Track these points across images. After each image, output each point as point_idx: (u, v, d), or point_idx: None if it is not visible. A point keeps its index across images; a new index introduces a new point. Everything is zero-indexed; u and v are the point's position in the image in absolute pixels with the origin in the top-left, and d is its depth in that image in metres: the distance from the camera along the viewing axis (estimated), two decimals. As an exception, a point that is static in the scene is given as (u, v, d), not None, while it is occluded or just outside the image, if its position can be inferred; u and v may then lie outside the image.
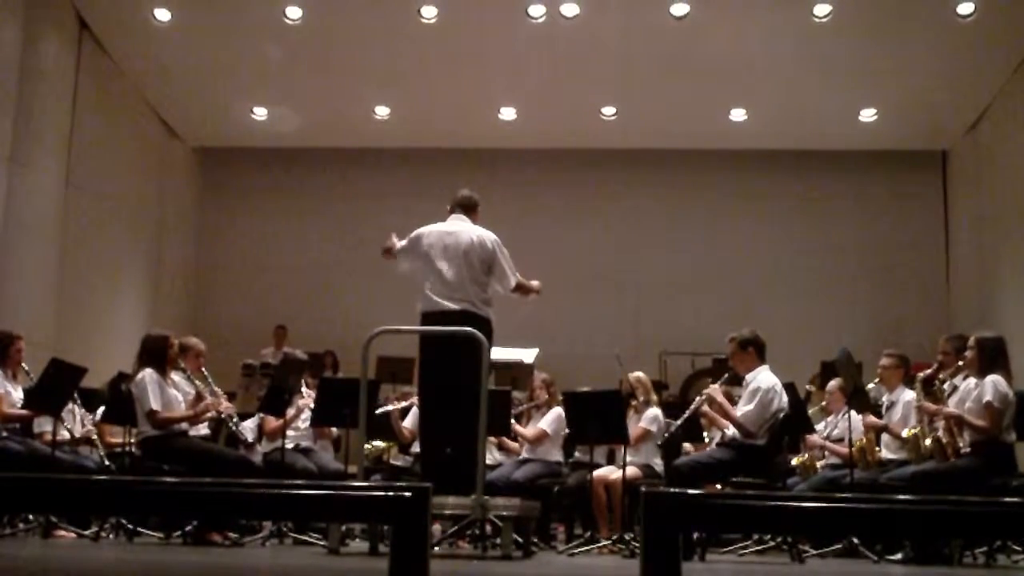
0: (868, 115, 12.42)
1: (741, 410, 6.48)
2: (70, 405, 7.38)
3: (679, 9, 10.68)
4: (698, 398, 7.07)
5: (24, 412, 7.22)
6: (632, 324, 12.95)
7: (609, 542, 6.93)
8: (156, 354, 6.74)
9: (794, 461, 7.86)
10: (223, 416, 7.09)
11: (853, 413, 7.11)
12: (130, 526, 6.76)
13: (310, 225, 13.70)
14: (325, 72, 11.82)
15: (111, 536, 6.80)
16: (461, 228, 6.10)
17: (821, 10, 10.58)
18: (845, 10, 10.54)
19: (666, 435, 7.57)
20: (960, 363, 6.37)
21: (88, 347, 10.12)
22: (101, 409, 7.90)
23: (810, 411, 7.90)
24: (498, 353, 6.44)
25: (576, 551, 6.87)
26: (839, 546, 6.72)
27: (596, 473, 7.71)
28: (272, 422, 7.60)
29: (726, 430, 6.69)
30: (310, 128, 13.06)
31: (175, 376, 6.90)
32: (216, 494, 2.75)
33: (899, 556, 6.31)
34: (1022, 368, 6.92)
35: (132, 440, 7.35)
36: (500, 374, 7.39)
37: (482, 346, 5.37)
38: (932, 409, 6.38)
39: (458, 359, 5.64)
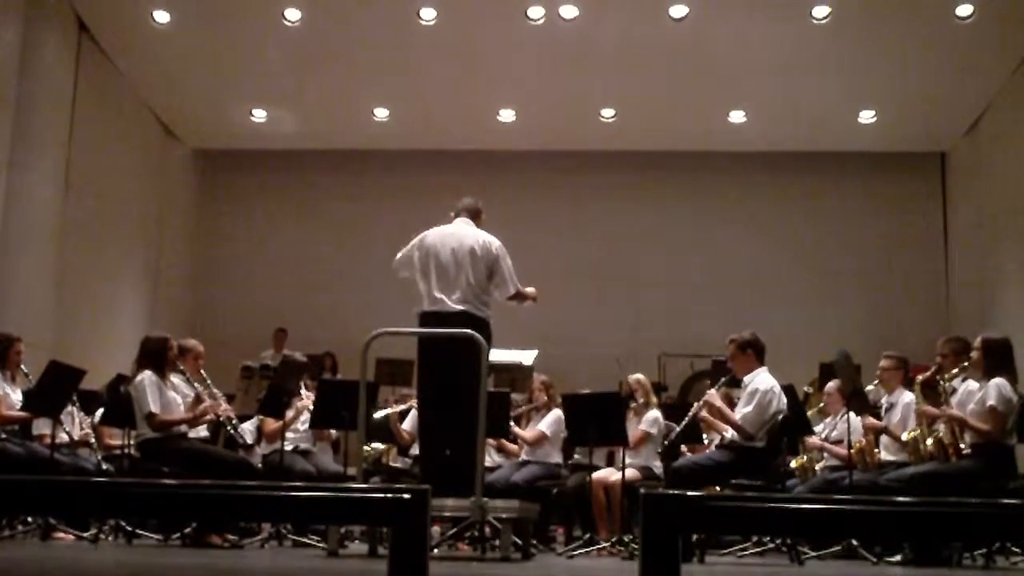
0: (867, 117, 12.43)
1: (740, 412, 6.47)
2: (69, 407, 7.37)
3: (678, 11, 10.69)
4: (696, 404, 7.07)
5: (23, 414, 7.21)
6: (631, 326, 12.95)
7: (608, 544, 6.93)
8: (155, 356, 6.74)
9: (793, 463, 7.86)
10: (222, 419, 7.08)
11: (852, 415, 7.11)
12: (129, 528, 6.76)
13: (309, 227, 13.70)
14: (324, 74, 11.83)
15: (110, 538, 6.80)
16: (466, 231, 6.09)
17: (820, 12, 10.59)
18: (844, 11, 10.55)
19: (665, 442, 7.57)
20: (963, 364, 6.36)
21: (87, 349, 10.12)
22: (100, 411, 7.89)
23: (808, 413, 7.90)
24: (497, 355, 6.44)
25: (575, 553, 6.87)
26: (838, 548, 6.71)
27: (595, 475, 7.71)
28: (271, 424, 7.60)
29: (725, 433, 6.68)
30: (309, 130, 13.07)
31: (174, 378, 6.89)
32: (215, 496, 2.75)
33: (898, 558, 6.31)
34: (1022, 369, 6.91)
35: (131, 442, 7.34)
36: (499, 376, 7.39)
37: (481, 348, 5.37)
38: (934, 413, 6.37)
39: (457, 361, 5.63)
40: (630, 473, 7.35)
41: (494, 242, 6.06)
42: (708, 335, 10.38)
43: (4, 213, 9.76)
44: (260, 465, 7.48)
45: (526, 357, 7.69)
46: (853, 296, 13.02)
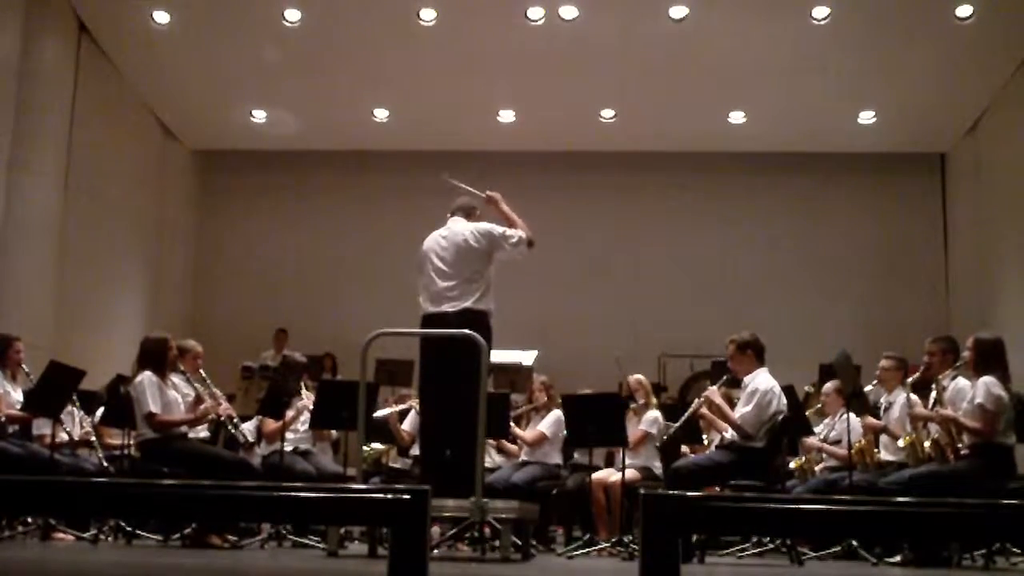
0: (867, 117, 12.43)
1: (739, 412, 6.48)
2: (69, 407, 7.38)
3: (678, 12, 10.69)
4: (697, 400, 7.08)
5: (23, 414, 7.21)
6: (631, 326, 12.94)
7: (608, 544, 6.93)
8: (155, 356, 6.74)
9: (793, 463, 7.86)
10: (223, 418, 7.08)
11: (852, 415, 7.11)
12: (129, 528, 6.76)
13: (309, 228, 13.70)
14: (324, 75, 11.83)
15: (110, 539, 6.80)
16: (457, 227, 6.14)
17: (820, 12, 10.59)
18: (844, 13, 10.55)
19: (665, 437, 7.57)
20: (955, 364, 6.38)
21: (87, 349, 10.12)
22: (100, 411, 7.89)
23: (808, 413, 7.90)
24: (497, 355, 6.45)
25: (575, 553, 6.87)
26: (838, 548, 6.72)
27: (595, 475, 7.71)
28: (271, 424, 7.60)
29: (724, 433, 6.69)
30: (309, 131, 13.07)
31: (175, 378, 6.89)
32: (215, 497, 2.75)
33: (898, 558, 6.31)
34: (1022, 370, 6.91)
35: (131, 442, 7.34)
36: (499, 377, 7.40)
37: (481, 349, 5.37)
38: (925, 415, 6.38)
39: (458, 361, 5.63)
40: (630, 474, 7.35)
41: (480, 225, 6.12)
42: (708, 336, 10.38)
43: (4, 213, 9.76)
44: (260, 466, 7.48)
45: (526, 358, 7.70)
46: (853, 297, 13.02)
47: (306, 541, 6.92)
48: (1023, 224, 11.09)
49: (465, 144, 13.05)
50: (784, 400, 6.52)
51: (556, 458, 7.96)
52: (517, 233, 6.14)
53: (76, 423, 7.62)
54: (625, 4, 10.73)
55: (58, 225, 10.58)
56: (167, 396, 6.67)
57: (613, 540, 6.90)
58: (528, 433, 7.92)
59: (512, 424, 7.65)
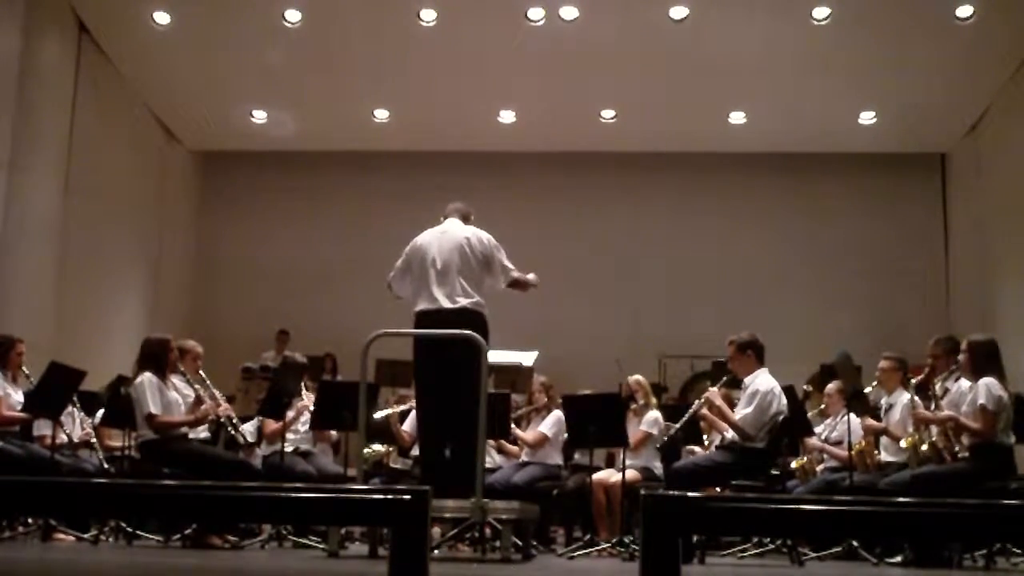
0: (867, 118, 12.43)
1: (740, 413, 6.47)
2: (70, 408, 7.38)
3: (678, 12, 10.69)
4: (697, 401, 7.07)
5: (24, 415, 7.22)
6: (631, 327, 12.95)
7: (608, 545, 6.93)
8: (156, 357, 6.74)
9: (793, 464, 7.86)
10: (222, 419, 7.08)
11: (852, 416, 7.11)
12: (129, 529, 6.76)
13: (309, 228, 13.70)
14: (324, 75, 11.83)
15: (110, 539, 6.80)
16: (456, 228, 6.10)
17: (820, 13, 10.59)
18: (844, 13, 10.55)
19: (665, 438, 7.57)
20: (952, 365, 6.38)
21: (87, 350, 10.12)
22: (100, 412, 7.89)
23: (809, 413, 7.90)
24: (497, 356, 6.42)
25: (575, 554, 6.87)
26: (838, 549, 6.72)
27: (595, 476, 7.70)
28: (271, 425, 7.59)
29: (725, 433, 6.69)
30: (309, 131, 13.07)
31: (175, 379, 6.89)
32: (215, 497, 2.75)
33: (899, 559, 6.31)
34: (1022, 370, 6.92)
35: (131, 443, 7.34)
36: (499, 377, 7.38)
37: (481, 348, 5.36)
38: (928, 417, 6.38)
39: (456, 361, 5.61)
40: (630, 474, 7.35)
41: (484, 235, 6.06)
42: (708, 336, 10.37)
43: (4, 214, 9.77)
44: (260, 466, 7.48)
45: (526, 358, 7.68)
46: (853, 297, 13.01)
47: (307, 542, 6.92)
48: (1023, 224, 11.09)
49: (465, 144, 13.06)
50: (784, 401, 6.51)
51: (556, 459, 7.96)
52: (512, 275, 6.07)
53: (76, 424, 7.62)
54: (625, 5, 10.73)
55: (58, 226, 10.58)
56: (167, 397, 6.67)
57: (613, 540, 6.90)
58: (528, 434, 7.92)
59: (512, 425, 7.64)
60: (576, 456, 8.24)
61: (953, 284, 13.07)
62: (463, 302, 5.82)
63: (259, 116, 12.91)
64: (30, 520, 6.91)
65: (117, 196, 11.98)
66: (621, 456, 7.30)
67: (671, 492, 4.64)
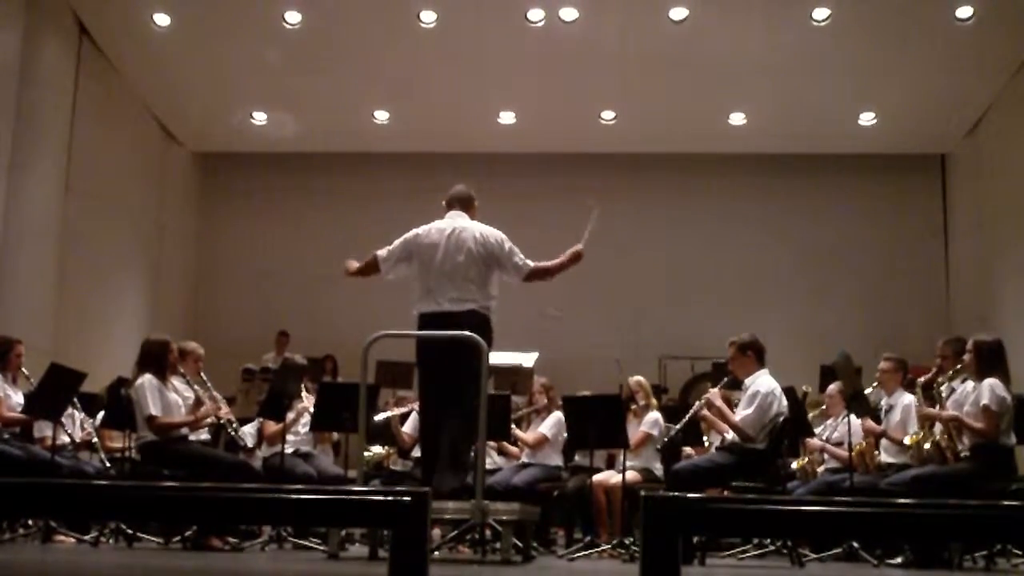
0: (867, 119, 12.43)
1: (740, 414, 6.47)
2: (70, 410, 7.38)
3: (678, 13, 10.69)
4: (697, 402, 7.07)
5: (24, 416, 7.22)
6: (631, 328, 12.94)
7: (609, 546, 6.93)
8: (156, 359, 6.75)
9: (794, 465, 7.86)
10: (222, 421, 7.08)
11: (852, 417, 7.10)
12: (130, 531, 6.76)
13: (309, 229, 13.69)
14: (324, 77, 11.83)
15: (111, 541, 6.80)
16: (464, 225, 5.96)
17: (820, 14, 10.59)
18: (844, 14, 10.55)
19: (666, 439, 7.57)
20: (959, 366, 6.37)
21: (88, 352, 10.12)
22: (101, 414, 7.89)
23: (811, 415, 7.89)
24: (498, 357, 6.40)
25: (576, 555, 6.88)
26: (839, 550, 6.71)
27: (596, 477, 7.70)
28: (272, 427, 7.60)
29: (725, 434, 6.68)
30: (309, 133, 13.07)
31: (175, 381, 6.90)
32: (216, 499, 2.75)
33: (899, 560, 6.31)
34: (1022, 371, 6.91)
35: (132, 445, 7.34)
36: (500, 378, 7.38)
37: (482, 350, 5.35)
38: (934, 415, 6.37)
39: (458, 363, 5.57)
40: (630, 475, 7.35)
41: (493, 233, 5.95)
42: (708, 337, 10.37)
43: (5, 215, 9.77)
44: (260, 468, 7.48)
45: (526, 359, 7.68)
46: (854, 298, 13.01)
47: (307, 543, 6.91)
48: (1023, 225, 11.09)
49: (465, 146, 13.05)
50: (785, 401, 6.51)
51: (557, 460, 7.96)
52: (524, 261, 5.98)
53: (77, 425, 7.62)
54: (625, 6, 10.74)
55: (58, 228, 10.58)
56: (167, 398, 6.67)
57: (614, 542, 6.90)
58: (529, 435, 7.92)
59: (513, 426, 7.64)
60: (576, 457, 8.24)
61: (953, 284, 13.07)
62: (471, 305, 5.75)
63: (259, 117, 12.92)
64: (30, 522, 6.91)
65: (117, 197, 11.97)
66: (621, 457, 7.30)
67: (671, 493, 4.64)
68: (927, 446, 6.34)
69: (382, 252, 6.08)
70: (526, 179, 13.40)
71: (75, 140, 10.87)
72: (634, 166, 13.35)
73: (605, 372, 9.70)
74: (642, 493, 2.62)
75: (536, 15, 10.80)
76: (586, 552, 6.97)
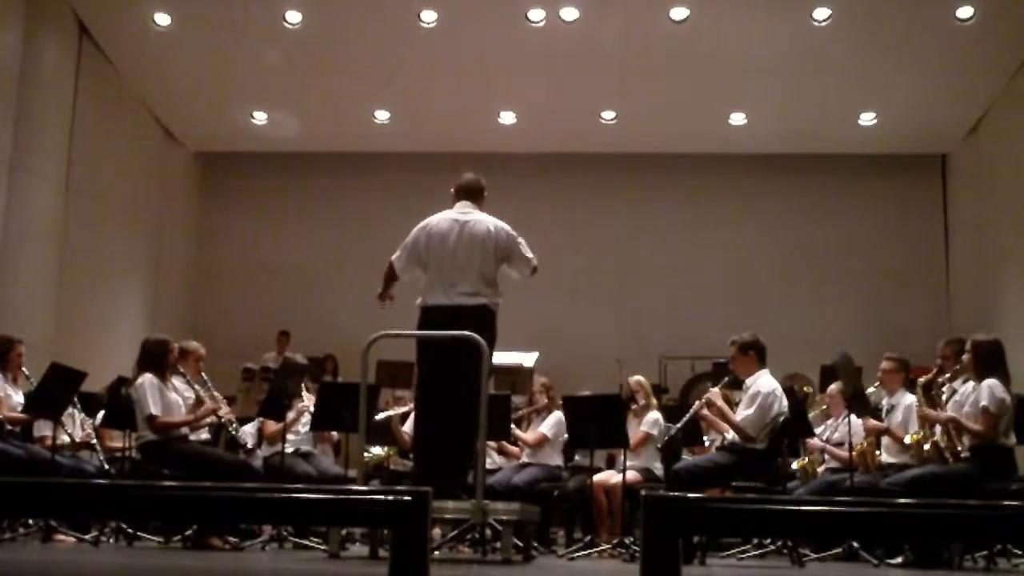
0: (868, 119, 12.43)
1: (741, 414, 6.47)
2: (70, 409, 7.38)
3: (679, 13, 10.69)
4: (698, 402, 7.07)
5: (24, 416, 7.22)
6: (632, 328, 12.95)
7: (609, 546, 6.92)
8: (156, 358, 6.75)
9: (794, 465, 7.86)
10: (223, 421, 7.09)
11: (853, 417, 7.10)
12: (130, 530, 6.76)
13: (310, 229, 13.70)
14: (325, 76, 11.83)
15: (111, 540, 6.80)
16: (475, 217, 5.91)
17: (820, 14, 10.59)
18: (844, 14, 10.55)
19: (666, 438, 7.57)
20: (958, 366, 6.37)
21: (88, 351, 10.12)
22: (101, 413, 7.89)
23: (812, 415, 7.89)
24: (498, 357, 6.38)
25: (576, 555, 6.87)
26: (839, 550, 6.71)
27: (596, 477, 7.70)
28: (272, 426, 7.60)
29: (726, 434, 6.68)
30: (310, 132, 13.07)
31: (175, 380, 6.90)
32: (216, 498, 2.75)
33: (899, 560, 6.31)
34: (1022, 371, 6.91)
35: (132, 444, 7.34)
36: (500, 378, 7.38)
37: (483, 350, 5.34)
38: (934, 416, 6.37)
39: (458, 361, 5.54)
40: (631, 475, 7.35)
41: (503, 227, 5.91)
42: (709, 337, 10.37)
43: (5, 215, 9.77)
44: (261, 467, 7.47)
45: (527, 359, 7.69)
46: (854, 298, 13.02)
47: (307, 543, 6.91)
48: (1023, 225, 11.09)
49: (466, 146, 13.03)
50: (785, 401, 6.51)
51: (557, 460, 7.96)
52: (532, 255, 5.99)
53: (77, 425, 7.62)
54: (626, 6, 10.73)
55: (59, 227, 10.58)
56: (168, 398, 6.68)
57: (614, 542, 6.89)
58: (529, 435, 7.92)
59: (513, 426, 7.64)
60: (576, 457, 8.24)
61: (953, 284, 13.06)
62: (483, 300, 5.71)
63: (259, 117, 12.91)
64: (31, 521, 6.90)
65: (117, 196, 11.97)
66: (622, 457, 7.30)
67: (672, 493, 4.64)
68: (927, 446, 6.34)
69: (394, 255, 6.05)
70: (526, 179, 13.39)
71: (75, 139, 10.87)
72: (634, 166, 13.36)
73: (605, 372, 9.71)
74: (642, 493, 2.62)
75: (537, 15, 10.79)
76: (586, 552, 6.97)
